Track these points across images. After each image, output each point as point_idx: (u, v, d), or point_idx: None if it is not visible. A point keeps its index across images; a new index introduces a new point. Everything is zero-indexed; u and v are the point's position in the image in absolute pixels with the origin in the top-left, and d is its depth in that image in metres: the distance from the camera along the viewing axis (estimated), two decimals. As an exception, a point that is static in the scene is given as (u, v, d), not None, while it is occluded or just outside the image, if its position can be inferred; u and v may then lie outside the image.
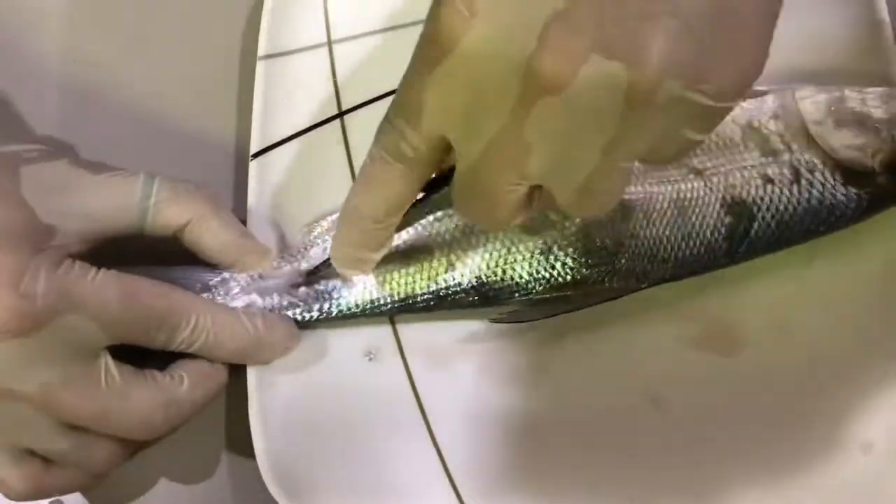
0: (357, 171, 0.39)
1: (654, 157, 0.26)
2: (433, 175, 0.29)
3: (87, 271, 0.31)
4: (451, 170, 0.28)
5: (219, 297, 0.36)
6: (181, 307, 0.33)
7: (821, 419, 0.34)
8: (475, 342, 0.37)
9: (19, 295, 0.29)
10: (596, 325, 0.36)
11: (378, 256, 0.33)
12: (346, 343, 0.37)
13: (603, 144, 0.24)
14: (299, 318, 0.36)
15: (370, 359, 0.37)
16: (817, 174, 0.35)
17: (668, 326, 0.36)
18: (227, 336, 0.34)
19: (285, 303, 0.36)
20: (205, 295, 0.36)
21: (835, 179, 0.35)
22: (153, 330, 0.32)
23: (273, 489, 0.33)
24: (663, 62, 0.22)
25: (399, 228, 0.32)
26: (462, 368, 0.36)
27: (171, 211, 0.34)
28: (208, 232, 0.35)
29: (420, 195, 0.31)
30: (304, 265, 0.37)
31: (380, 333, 0.37)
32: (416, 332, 0.37)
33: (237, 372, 0.36)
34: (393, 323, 0.37)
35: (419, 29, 0.42)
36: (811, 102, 0.36)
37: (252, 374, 0.36)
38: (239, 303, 0.36)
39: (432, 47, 0.24)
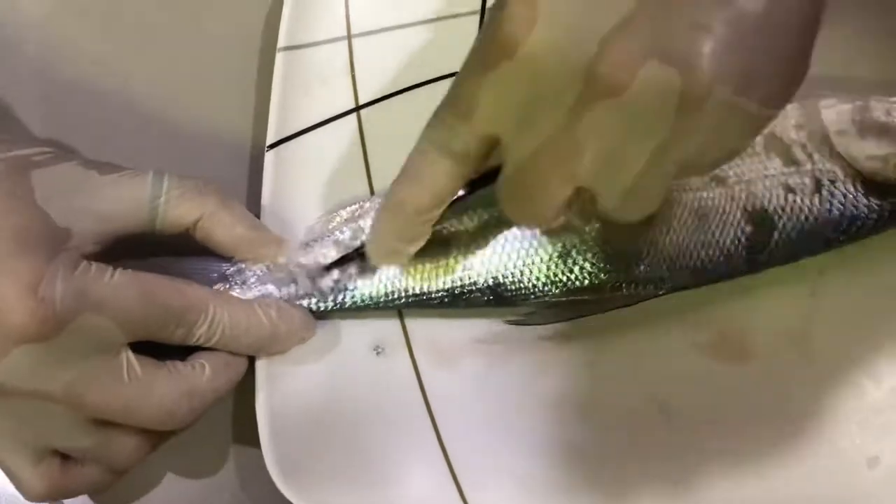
0: (371, 165, 0.40)
1: (695, 164, 0.26)
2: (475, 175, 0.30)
3: (104, 272, 0.31)
4: (491, 171, 0.29)
5: (235, 287, 0.36)
6: (198, 303, 0.33)
7: (828, 431, 0.34)
8: (483, 340, 0.37)
9: (38, 299, 0.29)
10: (605, 328, 0.36)
11: (414, 250, 0.34)
12: (354, 337, 0.37)
13: (652, 148, 0.25)
14: (314, 308, 0.36)
15: (378, 353, 0.37)
16: (839, 184, 0.35)
17: (677, 333, 0.36)
18: (244, 330, 0.34)
19: (301, 293, 0.36)
20: (221, 285, 0.36)
21: (856, 190, 0.35)
22: (171, 327, 0.32)
23: (278, 481, 0.33)
24: (715, 69, 0.23)
25: (434, 224, 0.32)
26: (469, 366, 0.36)
27: (181, 208, 0.35)
28: (220, 226, 0.35)
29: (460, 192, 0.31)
30: (320, 256, 0.37)
31: (388, 328, 0.37)
32: (424, 328, 0.37)
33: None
34: (401, 318, 0.37)
35: (438, 26, 0.43)
36: (834, 112, 0.36)
37: (259, 367, 0.35)
38: (255, 293, 0.36)
39: (493, 48, 0.25)
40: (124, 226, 0.34)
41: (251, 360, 0.36)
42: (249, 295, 0.36)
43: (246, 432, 0.36)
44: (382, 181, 0.39)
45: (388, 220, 0.32)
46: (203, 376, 0.33)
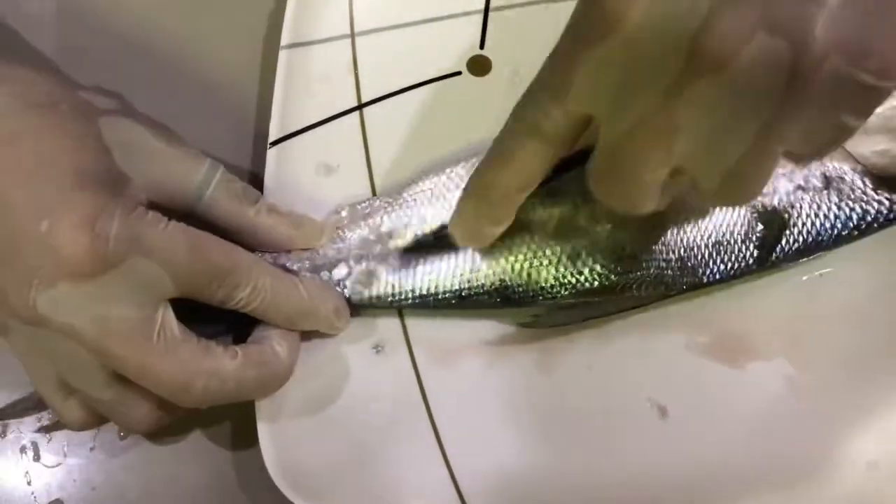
0: (373, 163, 0.40)
1: (805, 145, 0.25)
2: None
3: (159, 220, 0.31)
4: (580, 153, 0.28)
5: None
6: (244, 266, 0.33)
7: (827, 434, 0.34)
8: (483, 340, 0.37)
9: (94, 234, 0.29)
10: (605, 329, 0.36)
11: (499, 232, 0.33)
12: (354, 335, 0.37)
13: (757, 127, 0.24)
14: None
15: (377, 352, 0.37)
16: (847, 181, 0.35)
17: (677, 334, 0.36)
18: (284, 299, 0.34)
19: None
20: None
21: (865, 185, 0.35)
22: (215, 285, 0.32)
23: (277, 479, 0.33)
24: (828, 38, 0.22)
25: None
26: (469, 365, 0.36)
27: (224, 202, 0.35)
28: (261, 228, 0.36)
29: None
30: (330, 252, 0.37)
31: (388, 327, 0.37)
32: (424, 328, 0.37)
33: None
34: (401, 317, 0.37)
35: (442, 24, 0.42)
36: None
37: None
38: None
39: (593, 23, 0.24)
40: (170, 198, 0.34)
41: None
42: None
43: (245, 431, 0.37)
44: (384, 179, 0.39)
45: (474, 203, 0.32)
46: (231, 362, 0.32)
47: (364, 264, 0.36)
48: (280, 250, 0.37)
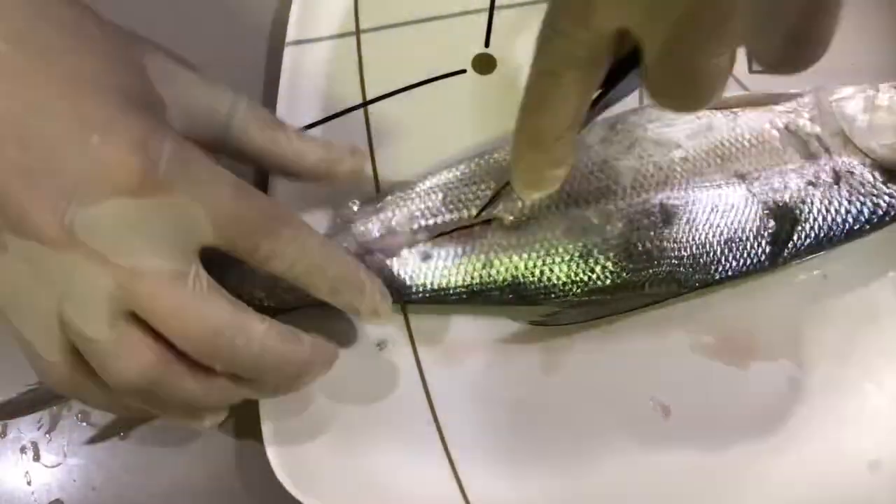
0: (378, 160, 0.39)
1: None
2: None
3: (206, 155, 0.30)
4: (621, 63, 0.27)
5: None
6: (290, 220, 0.31)
7: (830, 434, 0.34)
8: (486, 338, 0.37)
9: (146, 154, 0.28)
10: (609, 329, 0.36)
11: (564, 172, 0.30)
12: (358, 332, 0.37)
13: None
14: None
15: (381, 349, 0.37)
16: (857, 175, 0.35)
17: (681, 334, 0.36)
18: (331, 262, 0.32)
19: None
20: None
21: (875, 179, 0.35)
22: (259, 235, 0.30)
23: (281, 476, 0.33)
24: None
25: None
26: (472, 363, 0.36)
27: (255, 131, 0.34)
28: (290, 153, 0.34)
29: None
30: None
31: (391, 323, 0.37)
32: (427, 324, 0.37)
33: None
34: (405, 314, 0.37)
35: (447, 22, 0.42)
36: (846, 103, 0.36)
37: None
38: None
39: None
40: (203, 127, 0.33)
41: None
42: None
43: (245, 431, 0.37)
44: (389, 176, 0.39)
45: (526, 154, 0.30)
46: (261, 325, 0.30)
47: (375, 258, 0.36)
48: (311, 179, 0.36)
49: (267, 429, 0.34)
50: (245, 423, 0.37)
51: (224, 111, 0.33)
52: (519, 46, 0.41)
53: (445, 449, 0.35)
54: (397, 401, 0.36)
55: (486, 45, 0.42)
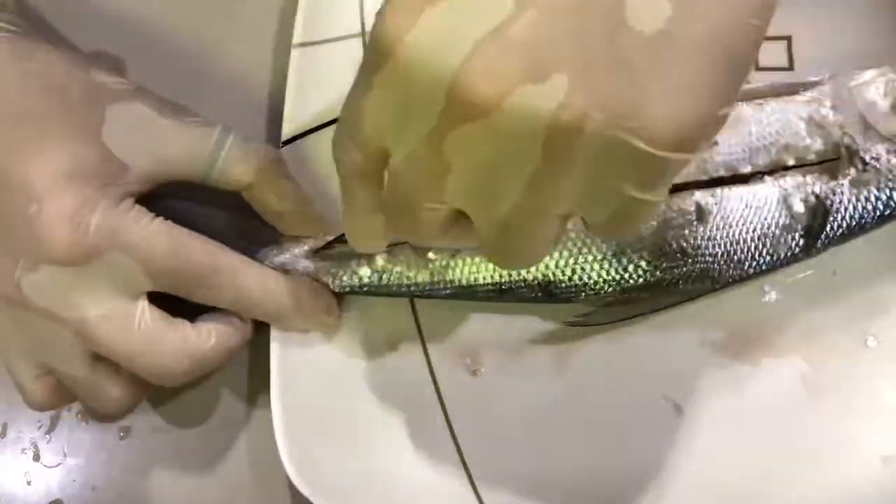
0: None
1: (592, 212, 0.24)
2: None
3: (143, 216, 0.32)
4: None
5: (270, 254, 0.36)
6: (227, 269, 0.33)
7: (842, 430, 0.34)
8: (497, 337, 0.36)
9: (73, 225, 0.30)
10: (620, 328, 0.36)
11: (385, 242, 0.30)
12: (368, 330, 0.37)
13: (527, 179, 0.22)
14: (356, 287, 0.36)
15: (391, 348, 0.37)
16: (883, 160, 0.35)
17: (692, 332, 0.36)
18: (268, 299, 0.34)
19: (340, 272, 0.36)
20: (256, 249, 0.36)
21: None
22: (194, 285, 0.33)
23: (293, 475, 0.33)
24: (589, 93, 0.21)
25: None
26: (483, 363, 0.36)
27: (238, 168, 0.35)
28: (272, 195, 0.36)
29: None
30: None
31: (402, 322, 0.37)
32: (438, 323, 0.37)
33: (258, 359, 0.36)
34: (415, 312, 0.37)
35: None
36: (865, 88, 0.36)
37: (274, 360, 0.35)
38: (288, 266, 0.36)
39: (372, 52, 0.23)
40: (181, 171, 0.34)
41: (266, 356, 0.35)
42: (279, 263, 0.36)
43: (246, 431, 0.37)
44: (396, 177, 0.39)
45: (347, 225, 0.30)
46: (208, 343, 0.33)
47: (406, 252, 0.36)
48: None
49: (279, 428, 0.34)
50: (246, 422, 0.37)
51: (205, 153, 0.34)
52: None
53: (458, 448, 0.35)
54: (408, 398, 0.36)
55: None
